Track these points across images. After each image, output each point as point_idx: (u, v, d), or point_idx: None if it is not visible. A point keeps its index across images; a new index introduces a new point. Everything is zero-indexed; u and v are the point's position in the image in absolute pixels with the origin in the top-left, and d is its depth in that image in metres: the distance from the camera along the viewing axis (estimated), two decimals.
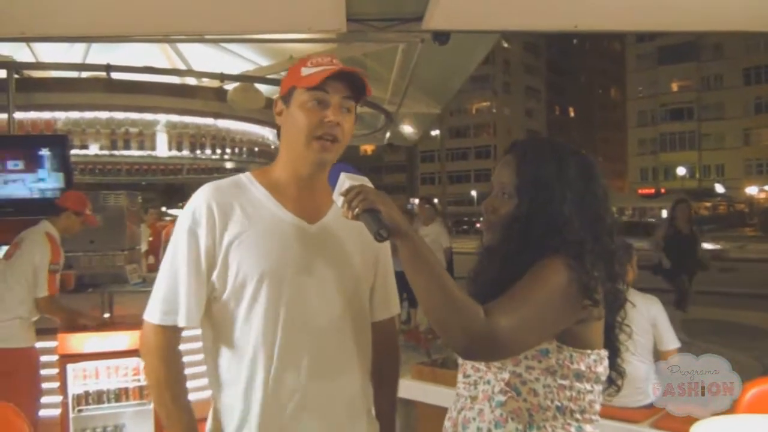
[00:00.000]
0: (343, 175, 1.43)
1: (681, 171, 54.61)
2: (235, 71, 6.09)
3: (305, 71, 1.55)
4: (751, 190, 51.98)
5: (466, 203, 58.16)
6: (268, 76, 6.03)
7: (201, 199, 1.56)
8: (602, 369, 1.41)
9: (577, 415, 1.38)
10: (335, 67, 1.53)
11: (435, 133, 44.66)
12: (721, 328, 8.78)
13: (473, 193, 59.28)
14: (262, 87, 5.45)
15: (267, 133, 6.14)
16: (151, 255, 7.48)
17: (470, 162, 64.64)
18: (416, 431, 4.81)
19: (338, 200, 1.42)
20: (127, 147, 5.33)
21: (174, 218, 11.33)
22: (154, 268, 7.05)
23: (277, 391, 1.51)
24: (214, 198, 1.55)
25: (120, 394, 3.96)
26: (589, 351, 1.39)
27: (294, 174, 1.60)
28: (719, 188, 51.68)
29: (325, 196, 1.62)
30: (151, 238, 7.72)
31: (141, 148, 5.34)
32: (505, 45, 61.65)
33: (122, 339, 4.02)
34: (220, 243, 1.52)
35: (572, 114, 76.85)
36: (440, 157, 57.22)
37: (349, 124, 1.59)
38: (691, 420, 2.37)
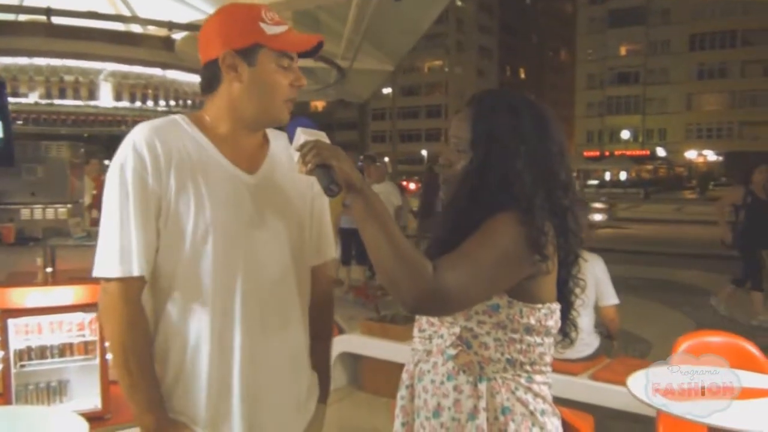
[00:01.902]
0: (299, 130, 1.41)
1: (625, 134, 55.99)
2: (184, 21, 5.85)
3: (269, 30, 1.48)
4: (690, 154, 53.76)
5: (416, 162, 58.37)
6: None
7: (142, 139, 1.46)
8: (552, 322, 1.45)
9: (527, 367, 1.42)
10: (291, 29, 1.51)
11: (387, 91, 44.36)
12: None
13: (424, 152, 59.49)
14: None
15: None
16: (94, 209, 7.25)
17: (421, 121, 64.69)
18: (364, 385, 4.93)
19: (294, 155, 1.40)
20: (68, 96, 5.09)
21: None
22: (98, 223, 6.85)
23: (225, 347, 1.48)
24: (157, 140, 1.46)
25: (64, 350, 3.89)
26: (539, 305, 1.42)
27: (240, 127, 1.54)
28: (660, 152, 53.24)
29: (258, 146, 1.61)
30: (94, 192, 7.47)
31: (83, 97, 5.12)
32: (459, 3, 61.27)
33: (66, 293, 3.95)
34: (167, 186, 1.45)
35: (523, 75, 77.38)
36: (392, 115, 57.01)
37: None
38: (627, 373, 2.50)
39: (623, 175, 52.77)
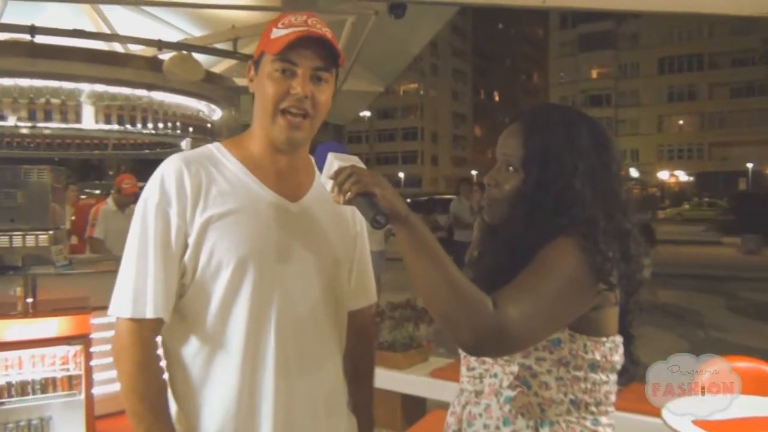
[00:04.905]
0: (331, 156, 1.28)
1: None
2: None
3: (275, 33, 1.37)
4: (663, 175, 54.72)
5: (393, 185, 58.20)
6: (209, 46, 5.71)
7: (170, 171, 1.37)
8: (618, 357, 1.32)
9: (593, 408, 1.29)
10: (299, 28, 1.35)
11: (363, 113, 44.46)
12: None
13: (401, 174, 59.61)
14: (200, 58, 5.15)
15: (203, 107, 5.83)
16: (74, 235, 7.03)
17: (398, 143, 64.89)
18: None
19: (327, 184, 1.27)
20: (49, 118, 4.90)
21: (96, 196, 10.74)
22: (77, 249, 6.63)
23: (255, 390, 1.36)
24: (186, 171, 1.36)
25: (46, 385, 3.73)
26: (604, 339, 1.30)
27: (270, 148, 1.43)
28: (633, 172, 54.08)
29: (305, 171, 1.48)
30: (73, 217, 7.26)
31: (65, 120, 4.93)
32: None
33: (48, 325, 3.76)
34: (192, 223, 1.34)
35: (497, 98, 78.26)
36: (369, 138, 57.05)
37: (324, 96, 1.40)
38: (641, 400, 2.36)
39: None
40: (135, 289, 1.34)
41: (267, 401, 1.36)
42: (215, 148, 1.46)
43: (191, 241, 1.35)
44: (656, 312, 8.85)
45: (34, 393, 3.67)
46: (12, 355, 3.64)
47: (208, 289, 1.36)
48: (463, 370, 1.41)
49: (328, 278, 1.47)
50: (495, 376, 1.33)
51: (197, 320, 1.38)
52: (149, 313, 1.33)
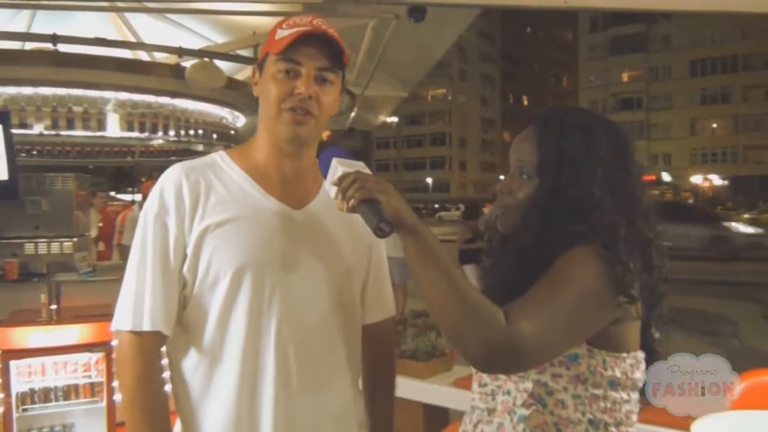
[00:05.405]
0: (335, 161, 1.23)
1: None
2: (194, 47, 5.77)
3: (279, 33, 1.33)
4: (696, 179, 53.71)
5: (421, 190, 58.40)
6: (231, 53, 5.73)
7: (169, 182, 1.35)
8: (639, 374, 1.24)
9: (612, 429, 1.21)
10: (303, 28, 1.31)
11: (391, 119, 44.49)
12: None
13: (428, 180, 59.55)
14: (222, 65, 5.17)
15: (226, 114, 5.84)
16: (101, 241, 7.12)
17: (425, 149, 64.87)
18: None
19: (331, 190, 1.22)
20: (75, 127, 4.95)
21: (124, 203, 10.88)
22: (104, 256, 6.70)
23: (255, 404, 1.32)
24: (185, 180, 1.34)
25: (69, 392, 3.74)
26: (624, 354, 1.21)
27: (274, 153, 1.39)
28: (666, 177, 53.20)
29: (311, 178, 1.43)
30: (101, 224, 7.35)
31: (91, 128, 4.98)
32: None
33: (71, 333, 3.77)
34: (190, 232, 1.31)
35: (526, 103, 77.74)
36: (396, 144, 57.10)
37: (329, 97, 1.36)
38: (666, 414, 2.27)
39: None
40: (134, 302, 1.32)
41: (266, 416, 1.32)
42: (219, 157, 1.43)
43: (189, 251, 1.32)
44: (687, 319, 8.63)
45: (56, 400, 3.68)
46: (35, 361, 3.66)
47: (207, 299, 1.33)
48: (475, 386, 1.34)
49: (336, 288, 1.41)
50: (508, 393, 1.25)
51: (197, 332, 1.35)
52: (146, 326, 1.31)
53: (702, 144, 54.93)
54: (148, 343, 1.32)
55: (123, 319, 1.32)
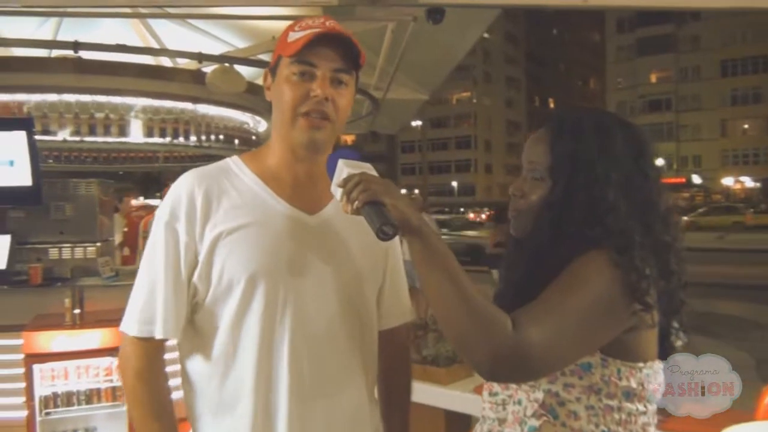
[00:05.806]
0: (341, 162, 1.20)
1: (659, 162, 54.96)
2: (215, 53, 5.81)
3: (292, 36, 1.31)
4: (727, 181, 52.66)
5: (446, 194, 58.20)
6: (250, 58, 5.75)
7: (181, 188, 1.33)
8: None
9: None
10: (317, 29, 1.28)
11: (416, 123, 44.39)
12: None
13: (454, 183, 59.32)
14: (243, 70, 5.18)
15: (248, 119, 5.86)
16: (126, 246, 7.17)
17: (450, 152, 64.63)
18: None
19: (336, 192, 1.19)
20: (98, 133, 5.01)
21: (145, 208, 10.97)
22: (128, 261, 6.75)
23: (270, 412, 1.29)
24: (197, 187, 1.32)
25: (91, 396, 3.79)
26: (640, 364, 1.17)
27: (289, 158, 1.37)
28: (696, 179, 52.28)
29: (325, 182, 1.41)
30: (126, 229, 7.41)
31: (113, 134, 5.03)
32: (486, 35, 61.60)
33: (93, 337, 3.81)
34: (202, 239, 1.29)
35: (552, 105, 77.08)
36: (421, 147, 57.09)
37: (345, 100, 1.33)
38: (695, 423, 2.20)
39: None
40: (142, 309, 1.31)
41: (281, 422, 1.29)
42: (232, 162, 1.41)
43: (201, 258, 1.30)
44: (717, 324, 8.43)
45: (79, 404, 3.73)
46: (58, 365, 3.71)
47: (219, 306, 1.31)
48: (485, 395, 1.30)
49: (350, 294, 1.38)
50: (519, 403, 1.21)
51: (209, 339, 1.33)
52: (158, 334, 1.31)
53: (733, 145, 53.84)
54: (153, 348, 1.32)
55: (130, 325, 1.32)
